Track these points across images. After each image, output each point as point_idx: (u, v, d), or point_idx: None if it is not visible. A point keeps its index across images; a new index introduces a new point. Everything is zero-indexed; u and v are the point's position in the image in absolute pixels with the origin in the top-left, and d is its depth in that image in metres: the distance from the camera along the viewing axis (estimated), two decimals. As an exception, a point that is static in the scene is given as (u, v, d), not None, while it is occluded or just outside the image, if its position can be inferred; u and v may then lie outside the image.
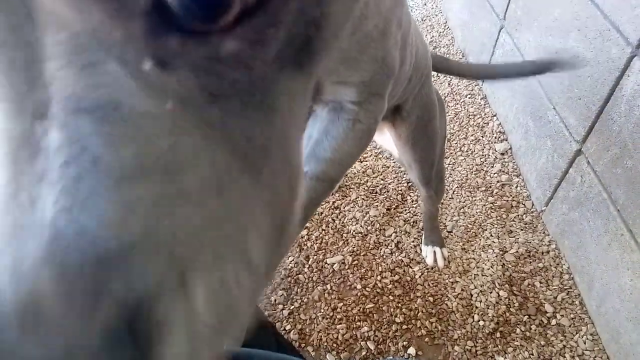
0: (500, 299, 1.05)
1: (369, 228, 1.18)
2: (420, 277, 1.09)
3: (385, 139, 0.85)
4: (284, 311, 1.04)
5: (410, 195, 1.25)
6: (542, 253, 1.13)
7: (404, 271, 1.11)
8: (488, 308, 1.04)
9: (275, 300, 1.06)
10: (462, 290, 1.07)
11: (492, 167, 1.29)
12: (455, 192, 1.24)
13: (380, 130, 0.83)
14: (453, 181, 1.26)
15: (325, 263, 1.12)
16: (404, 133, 0.79)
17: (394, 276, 1.10)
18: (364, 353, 0.98)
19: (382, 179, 1.29)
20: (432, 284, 1.09)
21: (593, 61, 0.96)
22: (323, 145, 0.52)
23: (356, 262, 1.12)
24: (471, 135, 1.37)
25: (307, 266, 1.12)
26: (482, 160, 1.31)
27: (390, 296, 1.07)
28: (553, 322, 1.02)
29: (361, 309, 1.04)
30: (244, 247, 0.16)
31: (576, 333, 1.00)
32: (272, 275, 0.20)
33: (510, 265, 1.11)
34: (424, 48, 0.71)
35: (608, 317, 0.96)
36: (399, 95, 0.64)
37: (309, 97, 0.20)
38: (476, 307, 1.04)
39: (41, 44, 0.14)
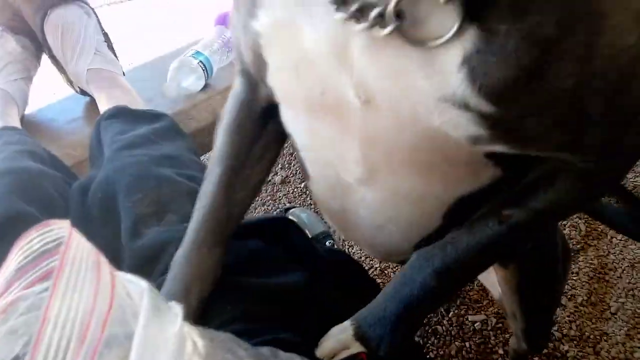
0: (671, 402, 0.92)
1: (518, 292, 1.13)
2: (572, 356, 1.01)
3: (486, 276, 0.71)
4: (418, 357, 1.04)
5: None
6: None
7: (554, 346, 1.03)
8: (654, 408, 0.91)
9: (411, 345, 1.07)
10: (623, 380, 0.96)
11: (674, 249, 1.15)
12: (624, 271, 1.12)
13: None
14: (624, 259, 1.14)
15: (467, 319, 1.10)
16: (513, 278, 0.64)
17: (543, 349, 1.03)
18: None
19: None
20: (586, 366, 0.99)
21: None
22: (536, 194, 0.43)
23: (500, 325, 1.08)
24: (651, 213, 1.24)
25: (446, 319, 1.11)
26: (662, 241, 1.17)
27: (535, 368, 1.00)
28: None
29: (500, 375, 1.00)
30: None
31: None
32: None
33: (687, 366, 0.96)
34: None
35: None
36: None
37: None
38: (638, 404, 0.92)
39: None
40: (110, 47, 1.11)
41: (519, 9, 0.30)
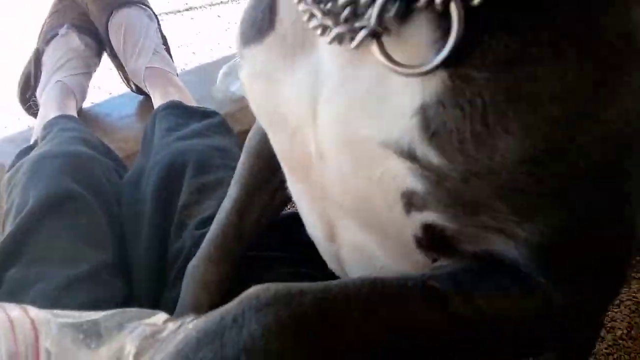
0: None
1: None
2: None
3: None
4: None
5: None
6: None
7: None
8: None
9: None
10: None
11: None
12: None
13: None
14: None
15: None
16: None
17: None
18: None
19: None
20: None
21: None
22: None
23: None
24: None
25: None
26: None
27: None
28: None
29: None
30: None
31: None
32: None
33: None
34: None
35: None
36: None
37: None
38: None
39: None
40: (168, 49, 1.16)
41: (511, 56, 0.26)
